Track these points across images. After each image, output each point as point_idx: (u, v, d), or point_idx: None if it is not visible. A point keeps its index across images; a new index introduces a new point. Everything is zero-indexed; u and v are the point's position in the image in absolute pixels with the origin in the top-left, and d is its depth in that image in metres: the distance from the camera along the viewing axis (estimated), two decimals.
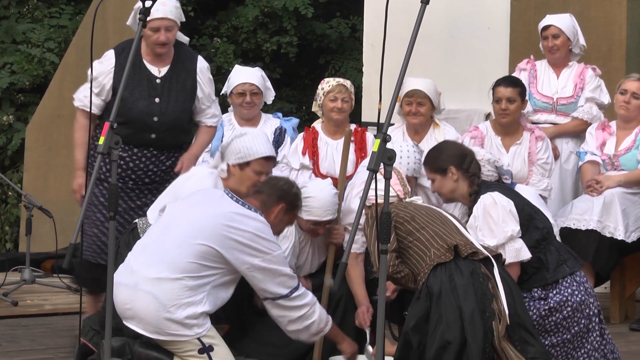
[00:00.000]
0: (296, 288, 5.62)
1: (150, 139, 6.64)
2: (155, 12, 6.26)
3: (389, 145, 4.20)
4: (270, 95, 7.53)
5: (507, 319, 5.24)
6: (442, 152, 6.04)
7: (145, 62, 6.64)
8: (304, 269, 6.33)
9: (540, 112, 8.06)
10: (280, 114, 7.74)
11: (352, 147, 6.91)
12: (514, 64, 8.77)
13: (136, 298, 5.48)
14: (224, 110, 7.59)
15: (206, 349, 5.40)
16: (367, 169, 4.19)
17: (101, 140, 4.74)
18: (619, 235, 7.55)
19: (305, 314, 5.63)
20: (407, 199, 5.84)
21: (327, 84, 7.02)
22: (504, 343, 5.21)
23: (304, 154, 7.06)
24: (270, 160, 6.26)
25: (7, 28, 15.14)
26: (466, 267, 5.34)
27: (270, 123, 7.51)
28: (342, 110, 6.95)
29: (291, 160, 7.12)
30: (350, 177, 6.67)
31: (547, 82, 8.14)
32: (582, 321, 5.72)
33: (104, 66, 6.63)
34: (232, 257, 5.49)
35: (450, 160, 5.91)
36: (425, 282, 5.36)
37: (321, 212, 6.15)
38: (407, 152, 6.23)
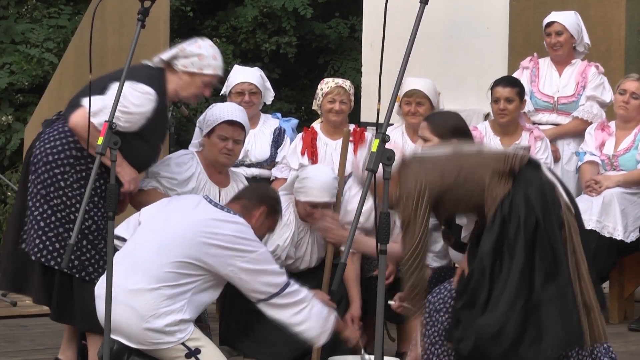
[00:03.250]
0: (288, 284, 5.55)
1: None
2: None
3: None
4: (269, 96, 7.54)
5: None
6: (450, 120, 6.00)
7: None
8: (303, 260, 6.33)
9: (541, 111, 8.05)
10: (279, 114, 7.74)
11: (351, 147, 6.88)
12: (513, 64, 8.78)
13: (115, 311, 5.32)
14: None
15: (192, 353, 5.35)
16: (366, 170, 4.17)
17: (99, 141, 4.72)
18: (618, 235, 7.56)
19: (302, 309, 5.56)
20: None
21: (326, 84, 7.02)
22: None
23: (302, 154, 7.07)
24: (235, 125, 6.21)
25: (6, 28, 15.15)
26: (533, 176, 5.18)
27: (269, 123, 7.50)
28: (340, 112, 6.96)
29: (290, 161, 7.13)
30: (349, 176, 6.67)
31: (549, 80, 8.13)
32: None
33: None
34: (215, 263, 5.43)
35: (454, 133, 5.84)
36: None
37: (318, 193, 6.12)
38: None
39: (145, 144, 6.11)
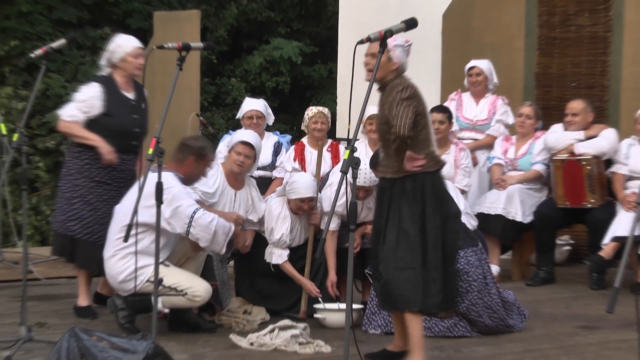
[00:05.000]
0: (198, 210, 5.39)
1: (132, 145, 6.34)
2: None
3: (356, 154, 4.13)
4: (271, 119, 7.51)
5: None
6: None
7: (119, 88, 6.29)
8: (295, 240, 6.26)
9: (464, 130, 8.02)
10: (278, 132, 7.74)
11: (329, 155, 6.93)
12: (444, 97, 8.76)
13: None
14: (237, 129, 7.56)
15: (158, 283, 4.77)
16: (340, 172, 4.12)
17: (150, 151, 4.62)
18: (518, 218, 7.55)
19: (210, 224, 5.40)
20: None
21: (311, 111, 7.00)
22: None
23: (294, 160, 7.04)
24: (246, 145, 6.08)
25: (84, 71, 15.06)
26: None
27: (271, 138, 7.48)
28: (321, 130, 6.94)
29: (286, 165, 7.10)
30: (325, 176, 6.66)
31: (469, 108, 8.10)
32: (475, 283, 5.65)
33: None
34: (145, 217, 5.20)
35: None
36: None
37: (304, 191, 6.07)
38: (364, 166, 6.11)
39: (112, 118, 6.10)
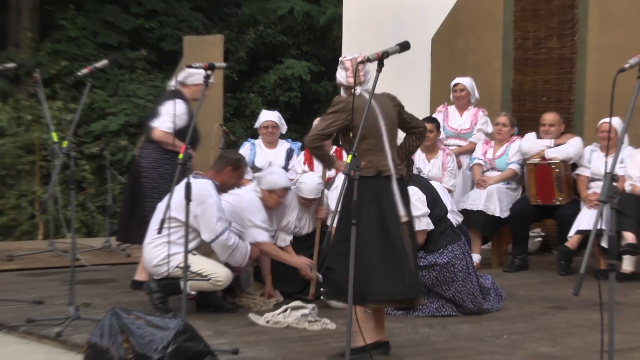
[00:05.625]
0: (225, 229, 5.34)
1: None
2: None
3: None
4: (284, 128, 7.48)
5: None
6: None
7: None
8: (304, 227, 6.20)
9: (450, 138, 8.00)
10: (290, 140, 7.69)
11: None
12: (432, 109, 8.74)
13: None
14: (255, 138, 7.55)
15: (185, 269, 4.72)
16: (343, 173, 4.11)
17: (180, 156, 4.62)
18: (497, 213, 7.53)
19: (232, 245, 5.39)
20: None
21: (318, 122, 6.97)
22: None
23: (304, 164, 7.03)
24: (287, 190, 5.96)
25: (123, 88, 15.12)
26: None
27: (284, 145, 7.46)
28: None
29: (297, 168, 7.08)
30: (331, 178, 6.63)
31: (454, 119, 8.07)
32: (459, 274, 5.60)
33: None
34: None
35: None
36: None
37: (307, 193, 6.01)
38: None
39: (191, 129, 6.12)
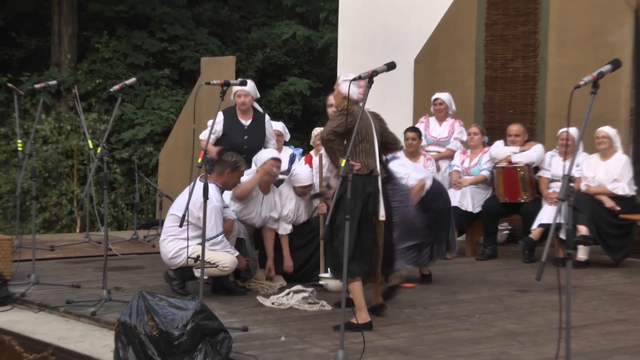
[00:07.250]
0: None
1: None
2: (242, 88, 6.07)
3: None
4: (287, 137, 7.38)
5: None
6: None
7: (238, 116, 6.32)
8: (302, 216, 6.12)
9: (430, 145, 7.97)
10: (292, 146, 7.68)
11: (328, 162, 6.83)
12: (415, 120, 8.72)
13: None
14: None
15: (196, 259, 4.82)
16: (339, 176, 4.10)
17: (199, 160, 4.59)
18: (470, 209, 7.52)
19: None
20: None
21: (316, 131, 6.95)
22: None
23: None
24: (277, 159, 5.88)
25: (149, 102, 15.11)
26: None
27: (287, 151, 7.36)
28: (320, 145, 6.84)
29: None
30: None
31: (434, 129, 8.05)
32: None
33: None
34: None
35: None
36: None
37: (304, 179, 5.96)
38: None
39: (227, 137, 6.17)
